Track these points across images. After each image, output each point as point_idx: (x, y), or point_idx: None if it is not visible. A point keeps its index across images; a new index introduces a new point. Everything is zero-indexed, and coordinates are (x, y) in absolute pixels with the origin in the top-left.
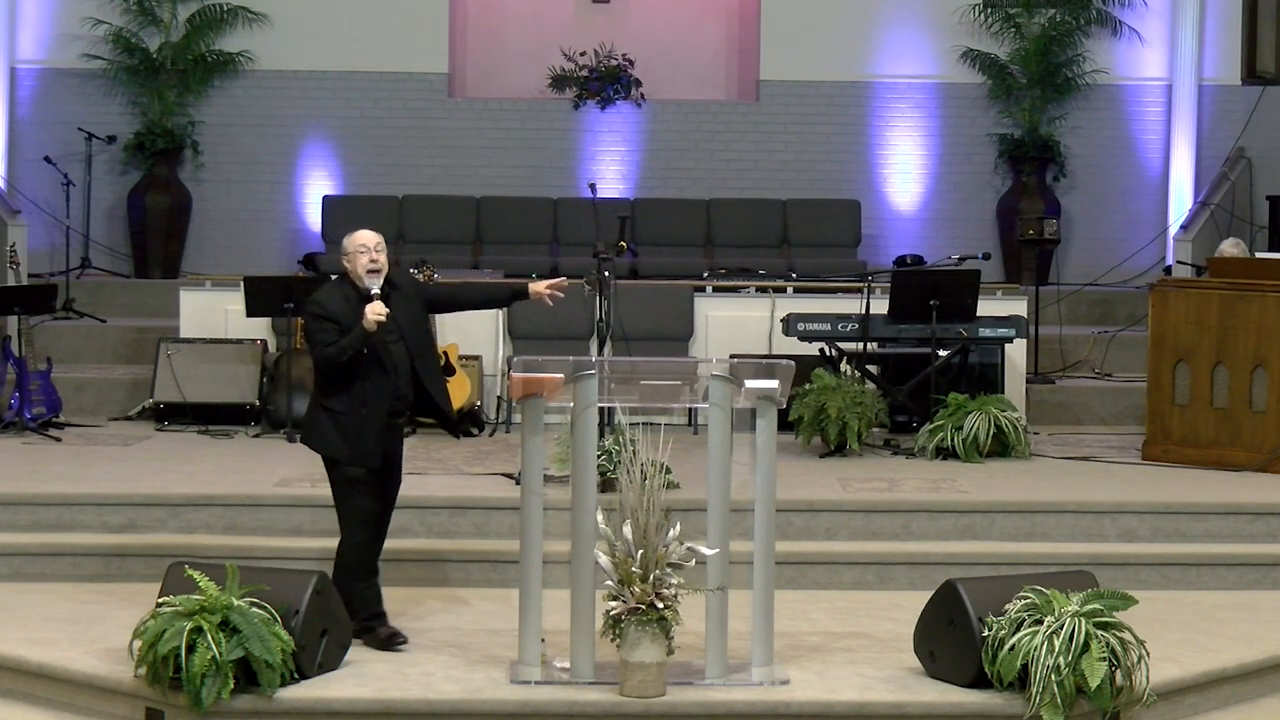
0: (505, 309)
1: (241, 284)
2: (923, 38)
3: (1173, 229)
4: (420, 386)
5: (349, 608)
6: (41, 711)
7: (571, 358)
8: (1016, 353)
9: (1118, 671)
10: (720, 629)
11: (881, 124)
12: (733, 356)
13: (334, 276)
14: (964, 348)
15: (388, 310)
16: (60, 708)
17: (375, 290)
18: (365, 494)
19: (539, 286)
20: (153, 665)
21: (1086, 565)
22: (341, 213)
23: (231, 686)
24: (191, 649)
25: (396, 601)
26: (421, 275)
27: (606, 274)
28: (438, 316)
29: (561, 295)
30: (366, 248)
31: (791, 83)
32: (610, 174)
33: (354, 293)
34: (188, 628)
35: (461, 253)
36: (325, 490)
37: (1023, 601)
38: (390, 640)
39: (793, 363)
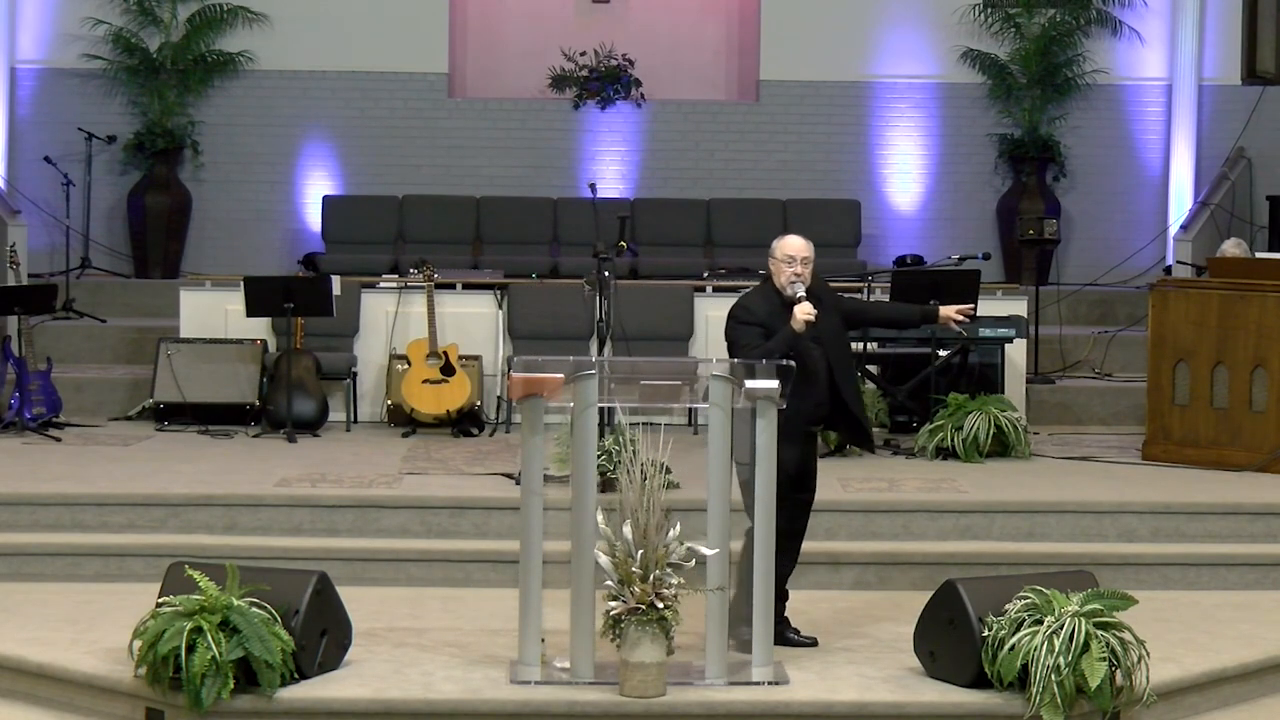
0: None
1: (241, 284)
2: (923, 38)
3: (1173, 229)
4: (838, 397)
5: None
6: (41, 711)
7: (571, 358)
8: (1016, 353)
9: (1118, 671)
10: (720, 629)
11: (881, 124)
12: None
13: (756, 283)
14: (964, 348)
15: (816, 311)
16: (60, 708)
17: (801, 294)
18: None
19: (949, 311)
20: (153, 665)
21: (1086, 565)
22: (341, 213)
23: (231, 686)
24: (191, 649)
25: (397, 601)
26: (421, 275)
27: (606, 274)
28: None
29: (968, 320)
30: (793, 259)
31: (791, 83)
32: (610, 174)
33: (776, 297)
34: (188, 628)
35: (461, 253)
36: (325, 490)
37: (1023, 601)
38: (788, 640)
39: (793, 363)
